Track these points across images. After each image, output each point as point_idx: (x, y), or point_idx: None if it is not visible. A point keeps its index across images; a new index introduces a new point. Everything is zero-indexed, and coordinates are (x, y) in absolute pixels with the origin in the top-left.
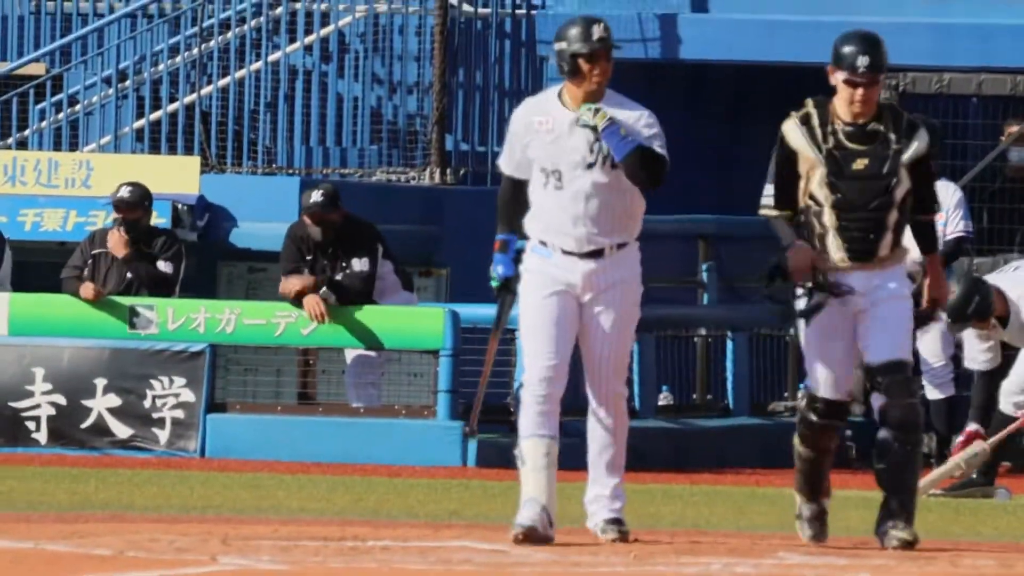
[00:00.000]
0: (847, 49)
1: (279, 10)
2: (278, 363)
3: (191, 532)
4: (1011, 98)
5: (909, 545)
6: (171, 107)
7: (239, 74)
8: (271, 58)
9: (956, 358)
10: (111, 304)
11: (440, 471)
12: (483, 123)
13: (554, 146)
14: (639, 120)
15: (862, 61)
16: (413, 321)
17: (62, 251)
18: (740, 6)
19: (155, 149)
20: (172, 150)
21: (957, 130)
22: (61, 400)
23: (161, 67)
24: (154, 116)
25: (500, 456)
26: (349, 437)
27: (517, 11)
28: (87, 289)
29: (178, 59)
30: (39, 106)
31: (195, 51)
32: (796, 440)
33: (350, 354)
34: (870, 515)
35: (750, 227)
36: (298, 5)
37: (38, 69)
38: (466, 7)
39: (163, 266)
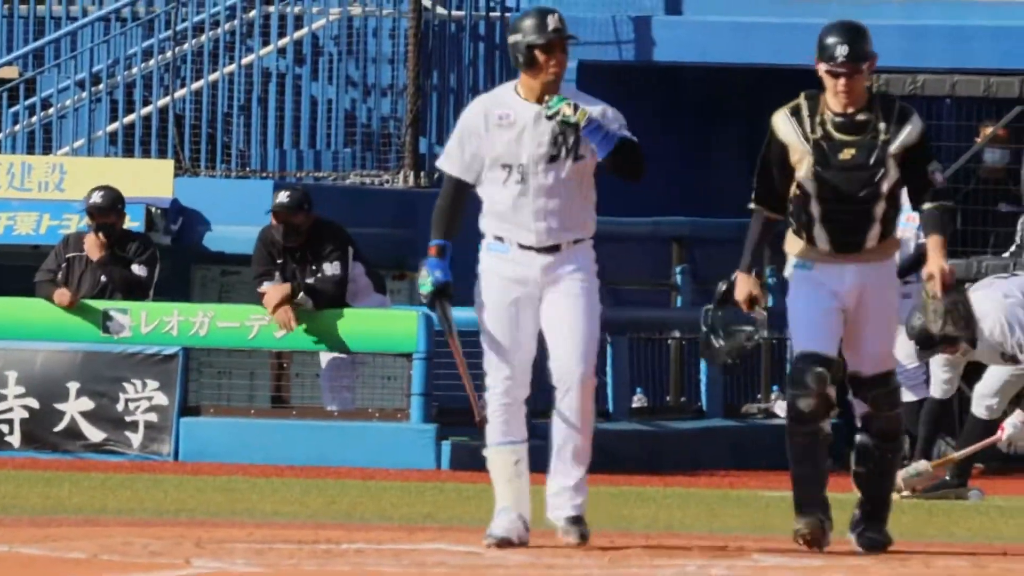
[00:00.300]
0: (828, 40)
1: (253, 13)
2: (252, 366)
3: (165, 535)
4: (985, 99)
5: (882, 546)
6: (144, 110)
7: (213, 77)
8: (245, 61)
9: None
10: (84, 308)
11: (414, 474)
12: None
13: (517, 141)
14: (604, 114)
15: (841, 51)
16: (386, 324)
17: (35, 254)
18: (714, 8)
19: (129, 152)
20: (146, 153)
21: (931, 131)
22: (34, 404)
23: (135, 70)
24: (127, 119)
25: (474, 459)
26: (323, 440)
27: (491, 13)
28: (62, 296)
29: (152, 62)
30: (12, 109)
31: (169, 54)
32: (789, 426)
33: (325, 357)
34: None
35: (724, 229)
36: (272, 8)
37: (11, 72)
38: (440, 10)
39: (137, 270)
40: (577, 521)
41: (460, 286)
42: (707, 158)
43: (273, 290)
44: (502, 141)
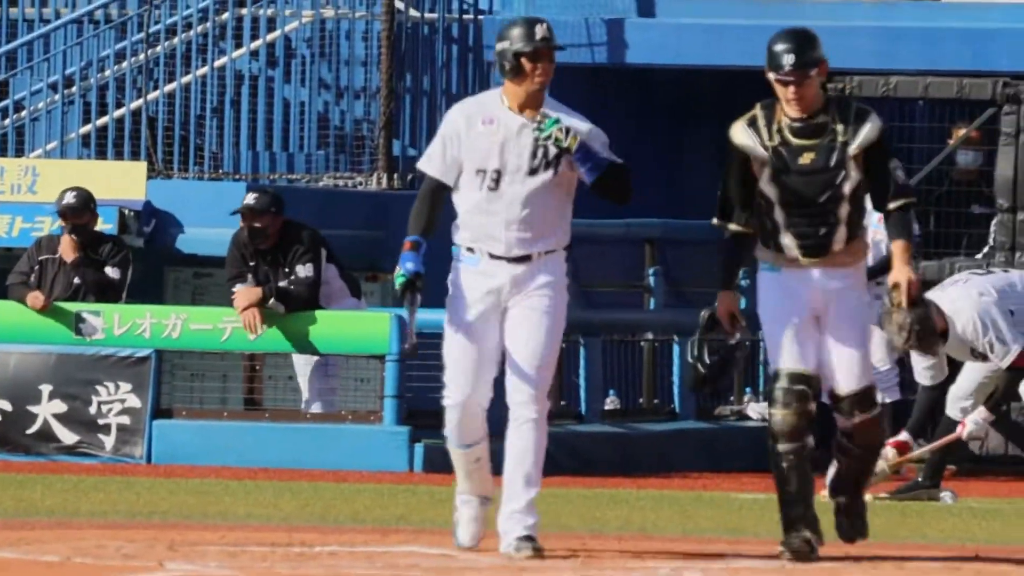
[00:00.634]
0: (775, 49)
1: (225, 16)
2: (224, 368)
3: (138, 538)
4: (957, 101)
5: (858, 535)
6: (117, 113)
7: (185, 80)
8: (218, 63)
9: (902, 362)
10: (57, 310)
11: (387, 476)
12: (430, 128)
13: (498, 148)
14: (591, 136)
15: (787, 60)
16: (359, 326)
17: (8, 257)
18: (686, 11)
19: (101, 155)
20: (119, 156)
21: (903, 133)
22: (6, 406)
23: (107, 72)
24: (100, 122)
25: (446, 461)
26: (296, 442)
27: (464, 16)
28: (35, 298)
29: (124, 64)
30: None
31: (141, 56)
32: (770, 442)
33: (300, 360)
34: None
35: (696, 231)
36: (244, 11)
37: None
38: (413, 12)
39: (111, 272)
40: (529, 539)
41: (436, 291)
42: (680, 160)
43: (243, 293)
44: (482, 146)
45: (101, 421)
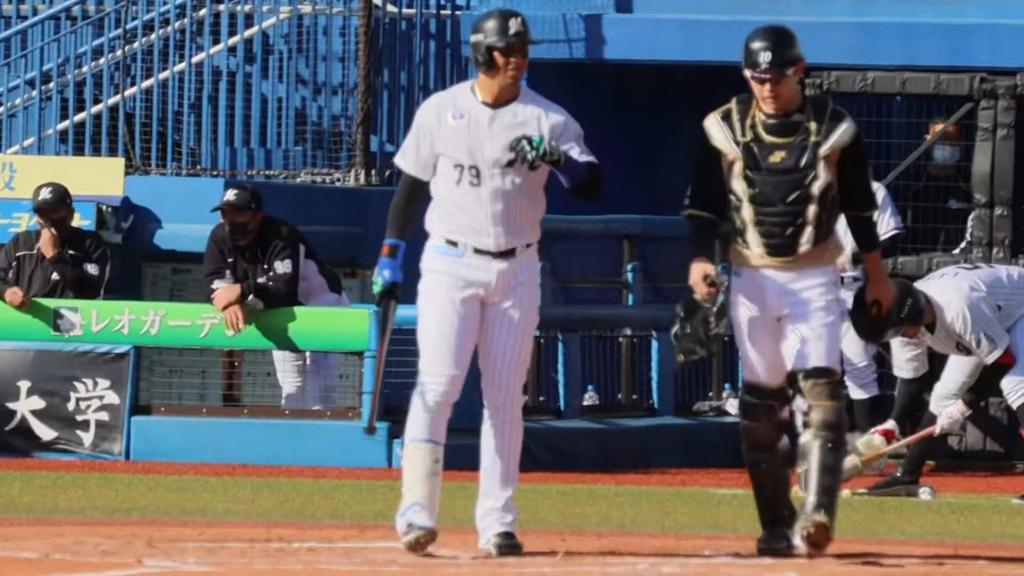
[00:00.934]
0: (752, 46)
1: (203, 12)
2: (203, 365)
3: (116, 535)
4: (935, 96)
5: (823, 528)
6: (95, 109)
7: (163, 76)
8: (195, 59)
9: (880, 358)
10: (35, 306)
11: (365, 472)
12: (408, 124)
13: (473, 141)
14: (567, 129)
15: (763, 58)
16: (337, 322)
17: None
18: (664, 6)
19: (79, 151)
20: (96, 152)
21: (881, 129)
22: None
23: (85, 69)
24: (78, 118)
25: None
26: (274, 439)
27: (441, 12)
28: (14, 295)
29: (102, 61)
30: None
31: (119, 53)
32: (745, 452)
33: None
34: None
35: (675, 227)
36: (222, 7)
37: None
38: (390, 8)
39: (90, 268)
40: (509, 536)
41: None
42: (658, 156)
43: (223, 291)
44: (455, 140)
45: (79, 417)
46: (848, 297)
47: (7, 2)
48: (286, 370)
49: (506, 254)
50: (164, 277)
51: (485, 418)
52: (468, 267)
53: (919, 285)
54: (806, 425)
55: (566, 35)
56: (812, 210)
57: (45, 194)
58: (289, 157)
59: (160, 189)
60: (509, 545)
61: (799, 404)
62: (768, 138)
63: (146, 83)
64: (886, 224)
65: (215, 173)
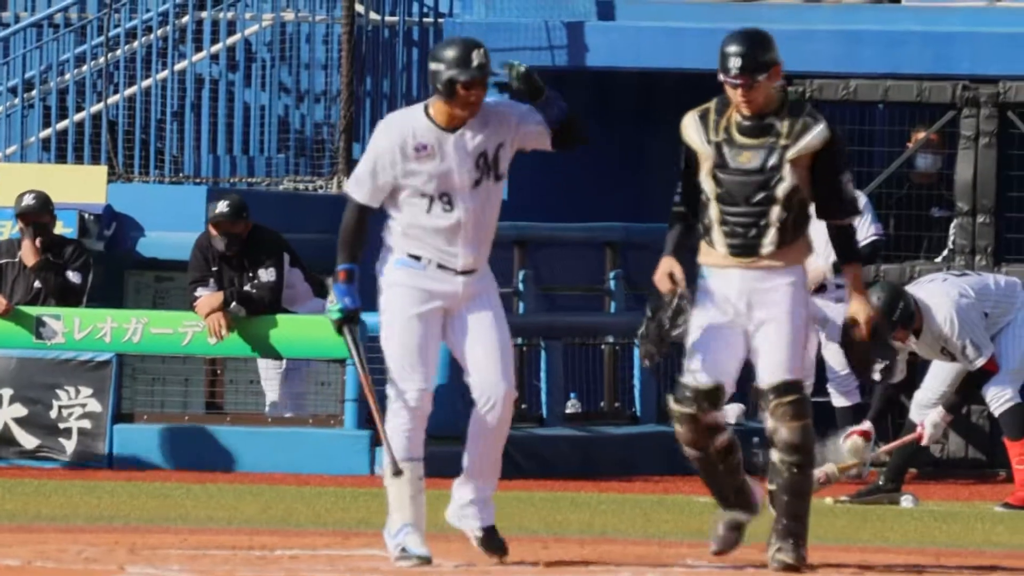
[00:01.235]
0: (725, 51)
1: (185, 19)
2: (186, 372)
3: (99, 542)
4: (917, 104)
5: (792, 568)
6: (78, 116)
7: (146, 83)
8: (178, 67)
9: None
10: (18, 314)
11: (347, 480)
12: None
13: (441, 173)
14: (525, 112)
15: (734, 63)
16: (320, 330)
17: None
18: (646, 14)
19: (62, 159)
20: (79, 159)
21: (864, 137)
22: None
23: (67, 76)
24: (60, 125)
25: None
26: (257, 446)
27: (424, 19)
28: None
29: (84, 68)
30: None
31: (101, 60)
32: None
33: (268, 363)
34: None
35: (658, 234)
36: (205, 14)
37: None
38: (373, 15)
39: (72, 276)
40: (494, 531)
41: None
42: (640, 163)
43: (205, 298)
44: (421, 174)
45: (62, 425)
46: (829, 306)
47: None
48: (269, 377)
49: (469, 271)
50: (147, 285)
51: (475, 414)
52: (431, 279)
53: (909, 289)
54: (772, 443)
55: (548, 42)
56: (776, 212)
57: (28, 200)
58: (272, 165)
59: (143, 197)
60: (496, 542)
61: (766, 421)
62: (740, 139)
63: (129, 91)
64: (866, 230)
65: (198, 181)
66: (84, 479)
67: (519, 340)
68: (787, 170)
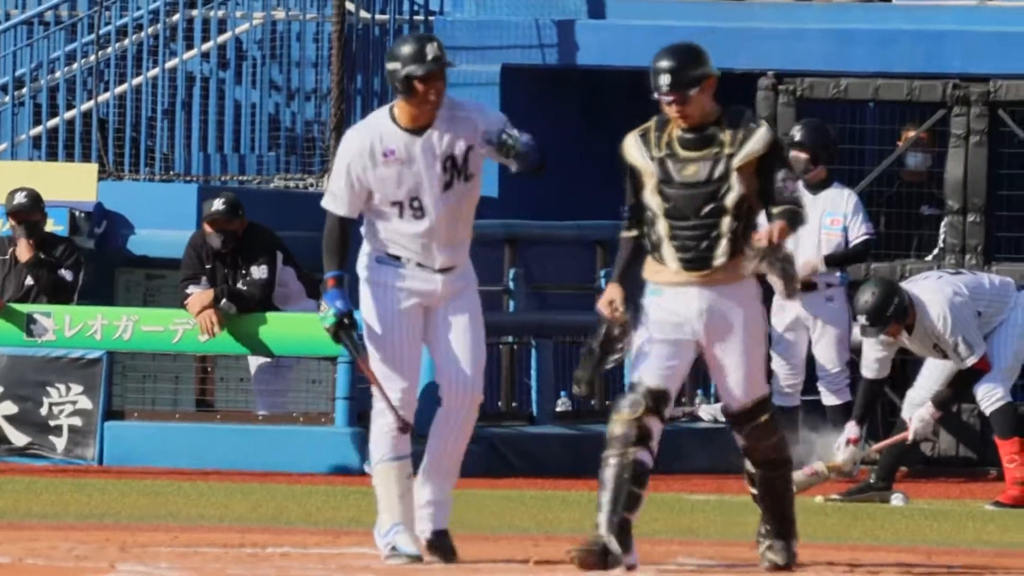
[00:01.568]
0: (653, 68)
1: (176, 17)
2: (176, 370)
3: (90, 539)
4: (908, 103)
5: (785, 567)
6: (68, 114)
7: (136, 81)
8: (168, 65)
9: (852, 363)
10: (8, 311)
11: (339, 478)
12: None
13: (410, 179)
14: (496, 122)
15: (664, 81)
16: (311, 327)
17: None
18: (637, 12)
19: (52, 156)
20: (69, 157)
21: (854, 135)
22: None
23: (58, 74)
24: (51, 123)
25: None
26: (247, 444)
27: (415, 17)
28: None
29: (75, 66)
30: None
31: (92, 58)
32: (603, 450)
33: (254, 362)
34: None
35: None
36: (195, 12)
37: None
38: (364, 13)
39: (65, 273)
40: (446, 535)
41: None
42: None
43: (196, 296)
44: (390, 181)
45: (52, 423)
46: (819, 306)
47: None
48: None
49: (448, 269)
50: (137, 283)
51: (441, 414)
52: (411, 278)
53: (903, 285)
54: (747, 456)
55: (539, 41)
56: (727, 222)
57: (20, 198)
58: (263, 163)
59: (133, 195)
60: (446, 546)
61: (738, 439)
62: (683, 153)
63: (119, 89)
64: (857, 229)
65: (189, 179)
66: (74, 477)
67: (510, 338)
68: (734, 179)
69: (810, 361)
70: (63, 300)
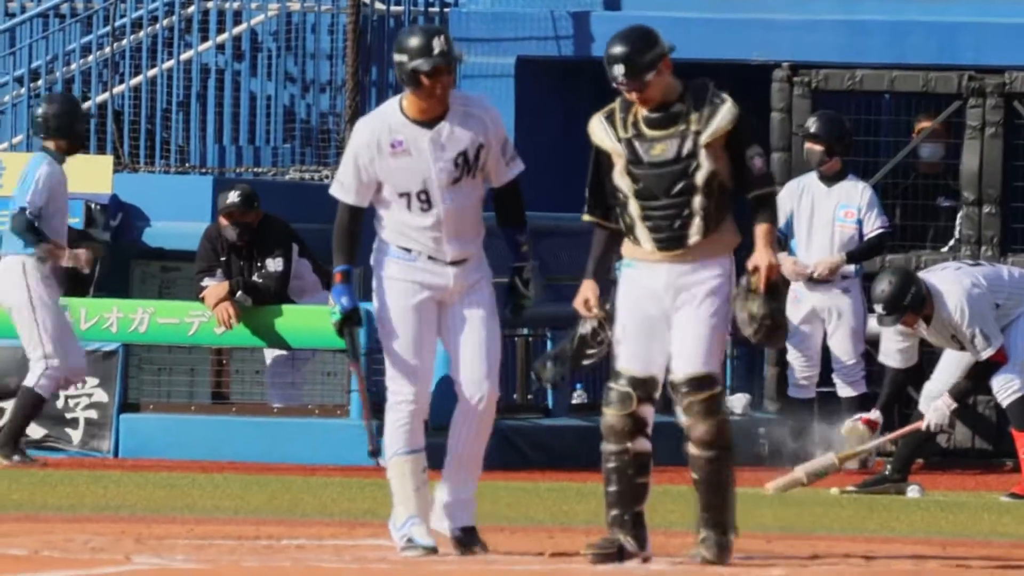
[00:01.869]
0: (606, 56)
1: (191, 9)
2: (192, 362)
3: (105, 532)
4: (923, 95)
5: (712, 563)
6: (84, 106)
7: (151, 73)
8: (183, 57)
9: (868, 355)
10: None
11: (354, 470)
12: None
13: (418, 170)
14: (492, 121)
15: (617, 71)
16: (326, 320)
17: None
18: (652, 4)
19: None
20: (85, 149)
21: (869, 127)
22: None
23: (73, 66)
24: None
25: None
26: (263, 436)
27: (430, 8)
28: None
29: (90, 58)
30: None
31: (107, 50)
32: (602, 444)
33: (269, 354)
34: (784, 512)
35: None
36: (210, 4)
37: None
38: (379, 5)
39: None
40: (474, 531)
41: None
42: None
43: (212, 288)
44: (399, 172)
45: (68, 415)
46: (835, 297)
47: None
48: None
49: (461, 261)
50: (153, 275)
51: (458, 412)
52: (423, 271)
53: (921, 275)
54: (688, 437)
55: (554, 32)
56: (698, 200)
57: None
58: (278, 154)
59: (149, 187)
60: (474, 541)
61: (680, 416)
62: (650, 132)
63: (134, 81)
64: (872, 223)
65: (204, 171)
66: (90, 469)
67: (525, 331)
68: (703, 156)
69: (825, 353)
70: (79, 292)
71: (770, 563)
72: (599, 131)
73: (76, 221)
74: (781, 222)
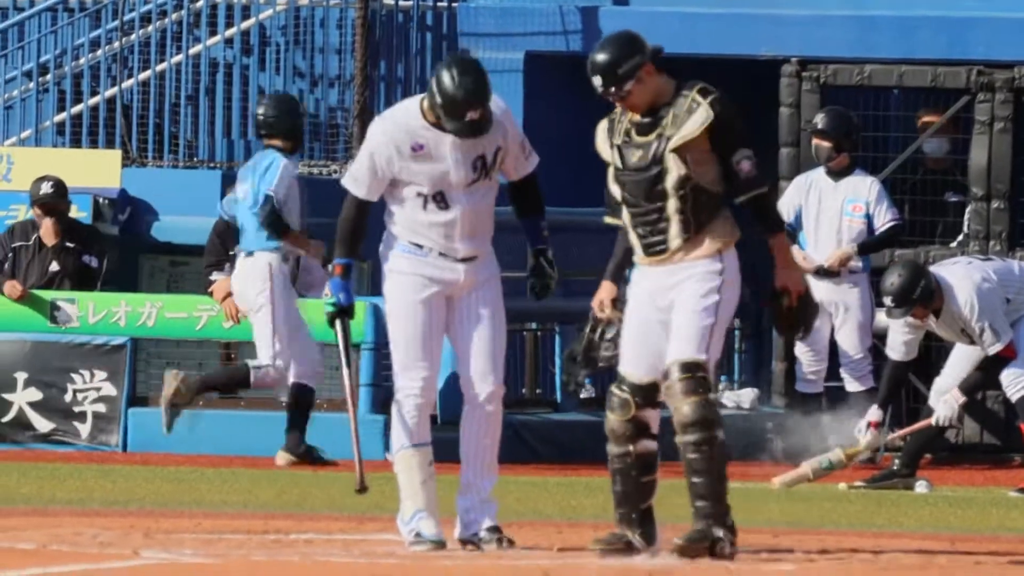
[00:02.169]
0: (588, 66)
1: (200, 3)
2: (200, 356)
3: (114, 526)
4: (932, 90)
5: (681, 547)
6: (92, 101)
7: (160, 67)
8: (192, 51)
9: (876, 350)
10: (32, 298)
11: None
12: None
13: (437, 172)
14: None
15: (597, 82)
16: None
17: None
18: None
19: (76, 143)
20: (93, 144)
21: (878, 122)
22: None
23: (82, 61)
24: (75, 110)
25: None
26: (272, 431)
27: (438, 3)
28: (12, 288)
29: (99, 52)
30: None
31: (116, 44)
32: (608, 446)
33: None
34: (792, 507)
35: None
36: None
37: None
38: (387, 0)
39: (90, 260)
40: (497, 529)
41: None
42: None
43: (220, 282)
44: (419, 173)
45: (77, 409)
46: (843, 290)
47: None
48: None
49: (472, 258)
50: (161, 269)
51: (466, 412)
52: (434, 267)
53: (932, 269)
54: (675, 426)
55: (563, 27)
56: (672, 205)
57: (46, 188)
58: None
59: (157, 181)
60: (505, 540)
61: (668, 401)
62: (637, 138)
63: (143, 75)
64: (883, 217)
65: (212, 165)
66: (99, 463)
67: (533, 325)
68: (669, 161)
69: (833, 348)
70: (88, 286)
71: (778, 558)
72: (600, 138)
73: (85, 215)
74: (790, 216)
